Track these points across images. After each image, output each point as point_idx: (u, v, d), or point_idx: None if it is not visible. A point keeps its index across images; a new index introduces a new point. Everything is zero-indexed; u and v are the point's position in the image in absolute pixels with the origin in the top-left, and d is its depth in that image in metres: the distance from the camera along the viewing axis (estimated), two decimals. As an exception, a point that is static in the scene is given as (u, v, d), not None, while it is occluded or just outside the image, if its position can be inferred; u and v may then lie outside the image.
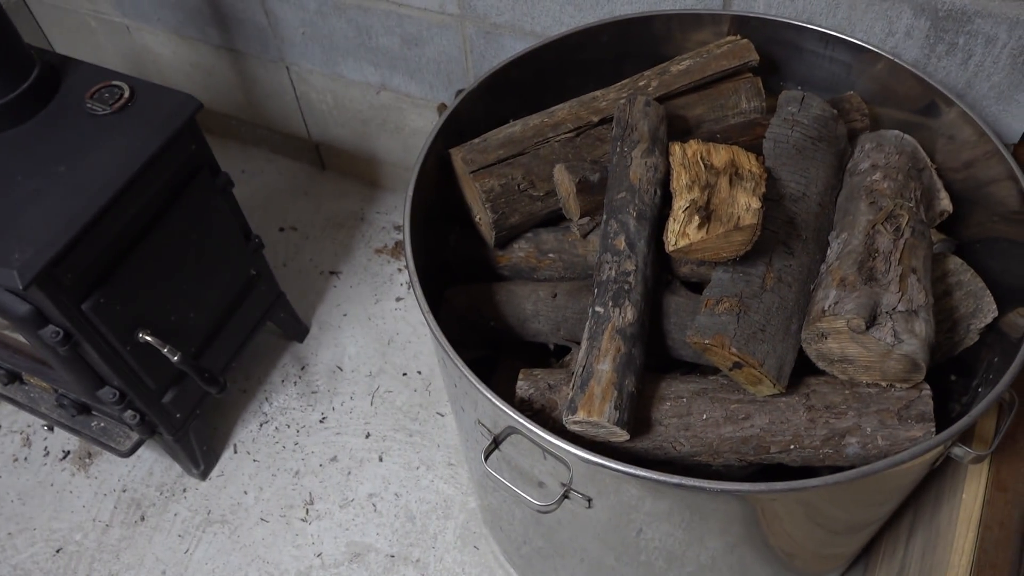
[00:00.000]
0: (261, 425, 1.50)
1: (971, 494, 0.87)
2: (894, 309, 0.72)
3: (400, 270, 1.70)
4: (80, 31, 1.87)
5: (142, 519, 1.41)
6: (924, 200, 0.87)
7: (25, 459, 1.51)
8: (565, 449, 0.71)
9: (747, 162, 0.82)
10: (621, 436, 0.74)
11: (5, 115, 1.08)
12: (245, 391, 1.55)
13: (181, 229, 1.18)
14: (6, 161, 1.06)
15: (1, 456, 1.51)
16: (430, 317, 0.81)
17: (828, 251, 0.83)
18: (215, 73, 1.77)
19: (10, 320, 1.07)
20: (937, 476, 0.98)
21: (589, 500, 0.80)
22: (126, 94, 1.12)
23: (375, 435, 1.47)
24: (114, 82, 1.13)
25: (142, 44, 1.81)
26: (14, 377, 1.41)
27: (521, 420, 0.73)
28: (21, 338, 1.21)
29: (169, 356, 1.17)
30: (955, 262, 0.87)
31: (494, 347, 1.04)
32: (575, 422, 0.74)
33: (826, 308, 0.74)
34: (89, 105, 1.11)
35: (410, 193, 0.91)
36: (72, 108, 1.11)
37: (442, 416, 1.48)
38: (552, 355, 1.02)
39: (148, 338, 1.16)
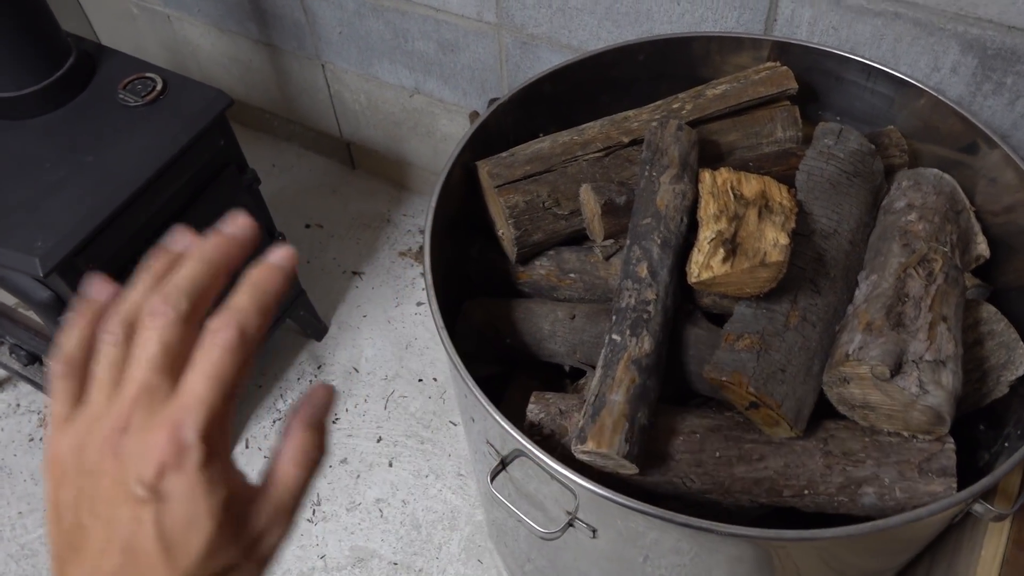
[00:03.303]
0: (274, 422, 1.50)
1: (990, 551, 0.84)
2: (921, 358, 0.70)
3: (422, 274, 1.68)
4: (123, 18, 1.89)
5: (150, 508, 1.41)
6: (960, 244, 0.84)
7: (40, 439, 1.52)
8: (573, 479, 0.69)
9: (778, 194, 0.80)
10: (630, 469, 0.73)
11: (38, 102, 1.08)
12: (260, 387, 1.55)
13: (205, 224, 1.17)
14: (36, 148, 1.06)
15: (18, 435, 1.52)
16: (444, 333, 0.80)
17: (856, 292, 0.80)
18: (252, 67, 1.78)
19: (31, 305, 1.08)
20: (956, 528, 0.95)
21: (594, 531, 0.78)
22: (159, 86, 1.12)
23: (387, 440, 1.46)
24: (147, 74, 1.13)
25: (182, 35, 1.82)
26: (34, 359, 1.42)
27: (529, 446, 0.71)
28: (41, 321, 1.22)
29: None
30: (989, 310, 0.84)
31: (509, 364, 1.03)
32: (584, 452, 0.73)
33: (850, 352, 0.72)
34: (121, 96, 1.11)
35: (433, 204, 0.90)
36: (104, 98, 1.12)
37: (455, 425, 1.47)
38: (567, 376, 1.00)
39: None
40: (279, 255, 0.36)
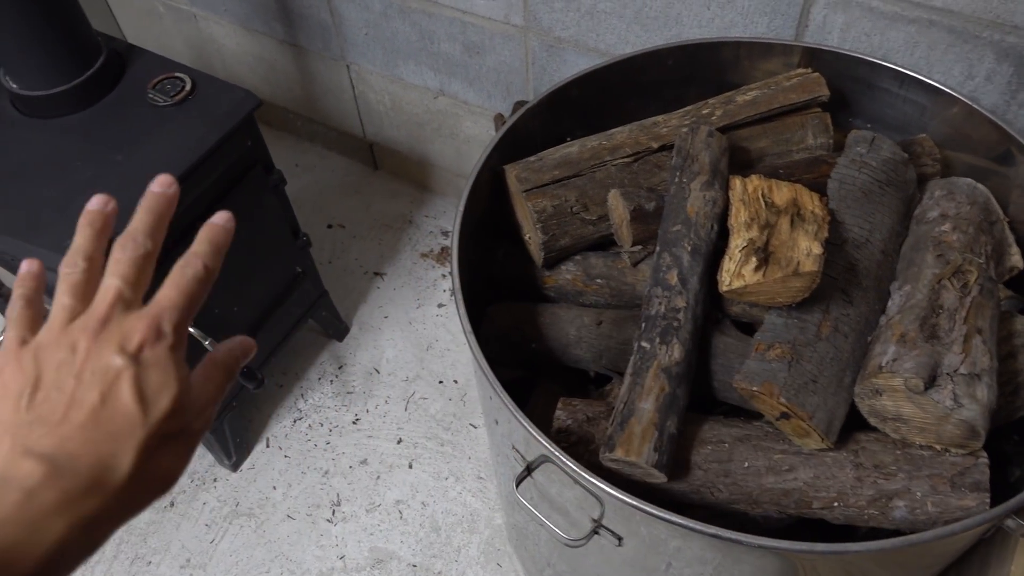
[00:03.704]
0: (295, 421, 1.51)
1: (1020, 566, 0.82)
2: (956, 371, 0.69)
3: (444, 276, 1.69)
4: (149, 16, 1.90)
5: (171, 505, 1.42)
6: (994, 255, 0.83)
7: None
8: (601, 487, 0.69)
9: (810, 203, 0.79)
10: (658, 478, 0.72)
11: (69, 100, 1.09)
12: (281, 386, 1.55)
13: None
14: (66, 146, 1.07)
15: (41, 430, 1.53)
16: (472, 338, 0.80)
17: (889, 302, 0.79)
18: (277, 67, 1.79)
19: (58, 302, 1.09)
20: (985, 543, 0.93)
21: (620, 539, 0.78)
22: (188, 86, 1.12)
23: (407, 441, 1.46)
24: (177, 74, 1.14)
25: (208, 33, 1.83)
26: (59, 354, 1.44)
27: (557, 452, 0.71)
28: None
29: (210, 349, 1.17)
30: (1022, 322, 0.83)
31: (532, 368, 1.03)
32: (612, 460, 0.72)
33: (883, 364, 0.71)
34: (151, 95, 1.11)
35: (461, 208, 0.90)
36: (134, 97, 1.12)
37: (475, 428, 1.47)
38: (592, 382, 1.00)
39: (191, 329, 1.16)
40: (222, 217, 0.46)
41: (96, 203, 0.45)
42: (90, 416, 0.39)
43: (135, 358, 0.40)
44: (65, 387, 0.39)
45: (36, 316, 0.43)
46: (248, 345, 0.47)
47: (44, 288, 0.44)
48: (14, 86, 1.09)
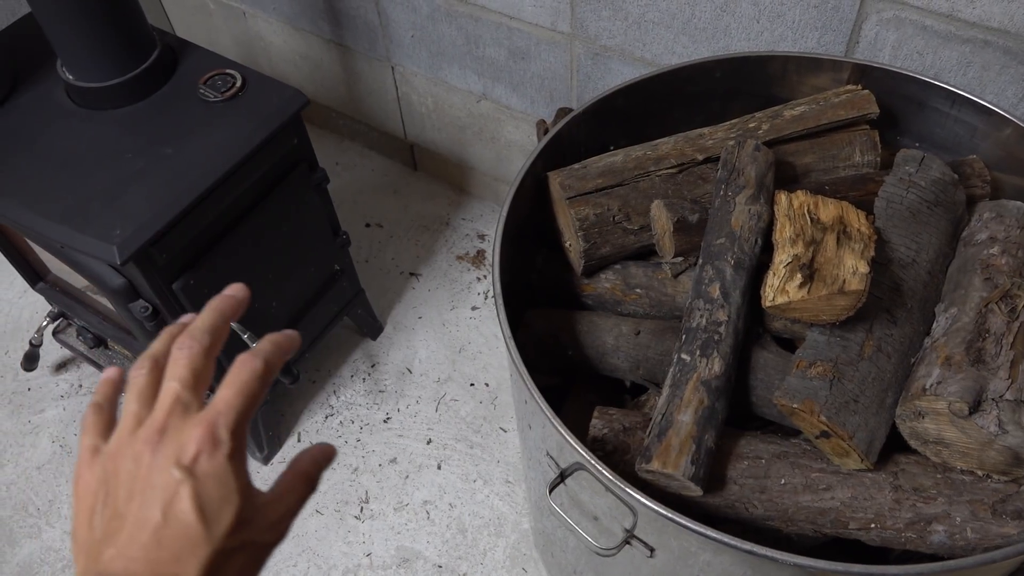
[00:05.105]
0: (326, 417, 1.52)
1: (1060, 598, 0.81)
2: (1001, 397, 0.68)
3: (479, 279, 1.70)
4: (199, 12, 1.93)
5: (203, 495, 1.44)
6: (1043, 281, 0.82)
7: (100, 421, 1.55)
8: (636, 498, 0.69)
9: (856, 220, 0.79)
10: (694, 492, 0.72)
11: (123, 93, 1.11)
12: (315, 382, 1.57)
13: (274, 220, 1.20)
14: (118, 138, 1.09)
15: (79, 415, 1.56)
16: (511, 343, 0.80)
17: (934, 324, 0.78)
18: (322, 66, 1.81)
19: (104, 291, 1.11)
20: (1023, 570, 0.92)
21: (652, 550, 0.77)
22: (238, 83, 1.14)
23: (436, 442, 1.47)
24: (228, 70, 1.15)
25: (256, 30, 1.85)
26: (100, 342, 1.46)
27: (593, 461, 0.71)
28: (111, 306, 1.25)
29: (248, 343, 1.18)
30: (1070, 350, 0.81)
31: (567, 375, 1.03)
32: (648, 471, 0.72)
33: (927, 386, 0.70)
34: (202, 91, 1.13)
35: (504, 212, 0.90)
36: (185, 92, 1.14)
37: (505, 432, 1.47)
38: (627, 392, 1.00)
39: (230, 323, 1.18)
40: (288, 333, 0.46)
41: (184, 317, 0.46)
42: (153, 536, 0.38)
43: (191, 471, 0.39)
44: (131, 504, 0.39)
45: (107, 422, 0.44)
46: (329, 451, 0.46)
47: (119, 394, 0.46)
48: (70, 77, 1.11)
